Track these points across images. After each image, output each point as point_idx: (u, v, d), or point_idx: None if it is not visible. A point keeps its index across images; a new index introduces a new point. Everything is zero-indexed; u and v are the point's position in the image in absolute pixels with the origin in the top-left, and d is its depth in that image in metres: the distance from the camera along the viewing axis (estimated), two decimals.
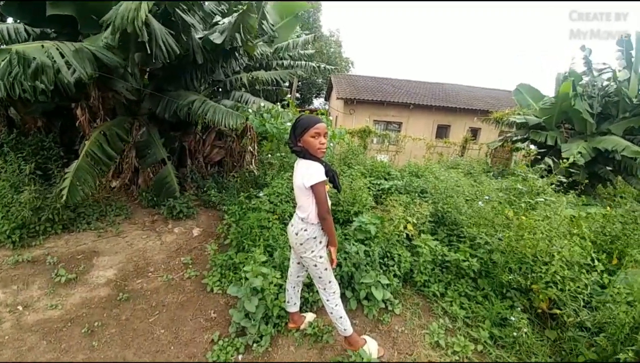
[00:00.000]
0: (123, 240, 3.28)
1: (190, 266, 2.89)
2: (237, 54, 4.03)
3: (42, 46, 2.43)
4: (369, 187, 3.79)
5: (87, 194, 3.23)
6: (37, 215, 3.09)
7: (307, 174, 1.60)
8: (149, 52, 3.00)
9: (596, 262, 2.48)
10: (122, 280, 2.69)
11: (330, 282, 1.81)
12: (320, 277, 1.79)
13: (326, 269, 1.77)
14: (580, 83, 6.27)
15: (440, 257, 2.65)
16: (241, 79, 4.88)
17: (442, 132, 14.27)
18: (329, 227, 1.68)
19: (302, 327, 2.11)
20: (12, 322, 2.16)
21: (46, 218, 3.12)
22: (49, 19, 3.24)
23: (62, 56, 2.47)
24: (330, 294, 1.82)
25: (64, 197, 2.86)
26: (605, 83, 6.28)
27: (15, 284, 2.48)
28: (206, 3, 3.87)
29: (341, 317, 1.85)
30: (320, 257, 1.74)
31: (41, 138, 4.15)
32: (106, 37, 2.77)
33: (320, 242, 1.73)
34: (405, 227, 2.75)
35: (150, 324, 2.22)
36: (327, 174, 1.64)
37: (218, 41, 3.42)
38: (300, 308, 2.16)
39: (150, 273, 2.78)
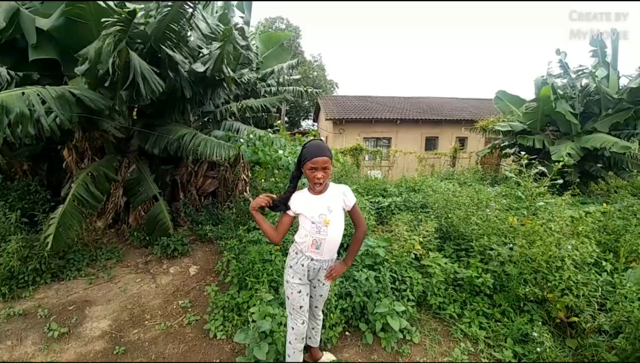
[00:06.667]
0: (116, 286, 3.09)
1: (190, 310, 2.70)
2: (224, 85, 4.03)
3: (23, 93, 2.36)
4: (367, 206, 3.71)
5: (72, 240, 3.05)
6: (25, 265, 2.94)
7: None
8: (136, 88, 2.95)
9: (604, 262, 2.44)
10: (117, 331, 2.49)
11: (290, 314, 1.70)
12: (286, 302, 1.73)
13: (287, 298, 1.68)
14: (559, 86, 6.49)
15: (452, 276, 2.56)
16: (231, 108, 4.87)
17: (430, 143, 14.49)
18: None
19: (320, 360, 1.95)
20: None
21: (33, 267, 2.95)
22: (32, 63, 3.19)
23: (44, 103, 2.39)
24: (289, 327, 1.70)
25: (49, 245, 2.70)
26: (584, 83, 6.48)
27: (9, 339, 2.34)
28: (191, 38, 3.89)
29: (289, 356, 1.73)
30: (287, 282, 1.68)
31: (27, 182, 4.02)
32: (82, 73, 2.69)
33: (291, 267, 1.66)
34: (412, 246, 2.66)
35: None
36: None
37: (201, 70, 3.41)
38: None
39: (146, 322, 2.59)
